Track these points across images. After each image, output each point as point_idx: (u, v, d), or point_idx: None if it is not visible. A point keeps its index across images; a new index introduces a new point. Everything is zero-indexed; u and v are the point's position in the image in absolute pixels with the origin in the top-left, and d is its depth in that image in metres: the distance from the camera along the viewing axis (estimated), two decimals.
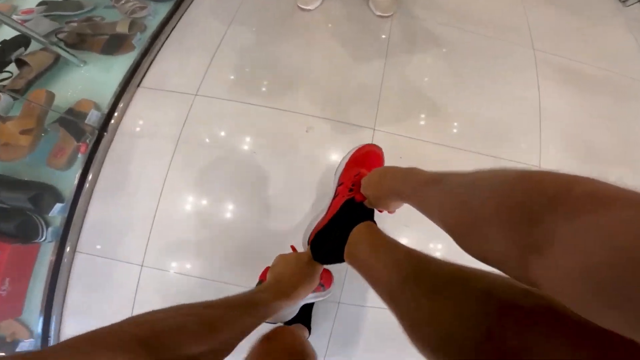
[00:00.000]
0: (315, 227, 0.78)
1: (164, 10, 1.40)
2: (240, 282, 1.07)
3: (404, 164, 1.15)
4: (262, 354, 0.57)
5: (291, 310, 0.83)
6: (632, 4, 1.71)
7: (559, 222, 0.26)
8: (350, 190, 0.76)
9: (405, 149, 1.20)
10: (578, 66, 1.46)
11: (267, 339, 0.60)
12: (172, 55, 1.33)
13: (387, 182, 0.66)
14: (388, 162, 1.10)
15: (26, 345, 1.03)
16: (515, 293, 0.36)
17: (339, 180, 0.87)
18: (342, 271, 1.07)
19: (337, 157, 1.16)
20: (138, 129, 1.19)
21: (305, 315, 0.98)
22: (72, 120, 1.13)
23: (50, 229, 1.08)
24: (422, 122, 1.25)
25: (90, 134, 1.14)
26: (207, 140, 1.17)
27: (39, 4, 1.44)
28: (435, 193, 0.49)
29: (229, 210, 1.12)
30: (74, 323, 1.07)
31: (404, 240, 1.06)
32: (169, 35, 1.37)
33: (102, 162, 1.15)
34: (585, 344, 0.28)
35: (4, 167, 1.11)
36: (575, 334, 0.29)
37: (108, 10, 1.46)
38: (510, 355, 0.31)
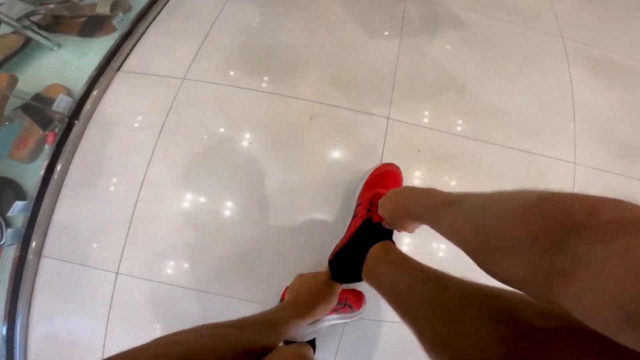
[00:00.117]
0: (335, 248, 0.80)
1: None
2: (231, 293, 0.93)
3: (422, 157, 1.03)
4: None
5: (315, 329, 0.80)
6: None
7: (585, 248, 0.26)
8: (368, 210, 0.77)
9: (424, 141, 1.05)
10: (611, 57, 1.32)
11: None
12: (159, 36, 1.18)
13: (404, 203, 0.67)
14: (405, 155, 1.03)
15: None
16: (534, 313, 0.36)
17: (358, 200, 0.88)
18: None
19: (345, 149, 1.02)
20: (115, 116, 1.04)
21: None
22: (38, 107, 0.99)
23: (10, 230, 0.94)
24: (443, 112, 1.10)
25: (60, 122, 0.99)
26: (195, 129, 1.02)
27: None
28: (451, 215, 0.49)
29: (218, 211, 0.97)
30: (42, 331, 0.96)
31: (406, 240, 0.98)
32: (157, 15, 1.22)
33: (73, 154, 1.00)
34: None
35: None
36: (596, 354, 0.29)
37: None
38: None
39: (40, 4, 1.28)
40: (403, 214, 0.66)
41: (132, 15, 1.20)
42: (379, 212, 0.74)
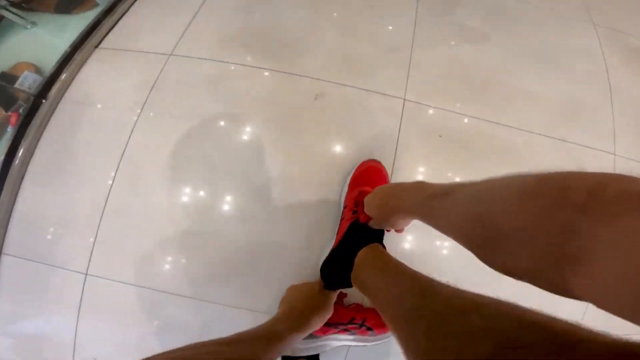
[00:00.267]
0: (327, 255, 0.76)
1: None
2: (218, 299, 0.79)
3: (444, 143, 0.89)
4: None
5: (314, 345, 0.76)
6: None
7: (594, 228, 0.25)
8: (354, 212, 0.74)
9: (446, 125, 0.91)
10: None
11: None
12: (145, 11, 1.06)
13: (392, 200, 0.63)
14: (424, 140, 0.91)
15: None
16: (518, 327, 0.31)
17: (344, 202, 0.82)
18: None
19: (353, 134, 0.89)
20: (89, 95, 0.91)
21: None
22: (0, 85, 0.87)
23: None
24: (466, 94, 0.96)
25: (25, 102, 0.87)
26: (182, 109, 0.89)
27: None
28: (446, 206, 0.47)
29: (205, 204, 0.83)
30: (6, 335, 0.86)
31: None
32: None
33: (39, 137, 0.87)
34: None
35: None
36: None
37: None
38: None
39: None
40: (393, 211, 0.63)
41: None
42: (366, 210, 0.70)
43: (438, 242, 0.85)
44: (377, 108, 0.91)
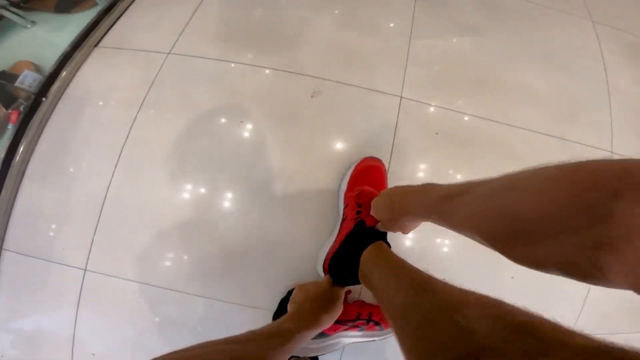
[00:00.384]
0: (328, 253, 0.76)
1: None
2: (216, 295, 0.79)
3: (440, 140, 0.88)
4: None
5: (325, 344, 0.76)
6: None
7: (628, 212, 0.24)
8: (358, 212, 0.73)
9: (442, 123, 0.92)
10: None
11: None
12: (144, 10, 1.07)
13: (401, 203, 0.63)
14: (421, 138, 0.91)
15: None
16: (501, 334, 0.30)
17: (344, 201, 0.81)
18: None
19: (350, 131, 0.89)
20: (89, 94, 0.92)
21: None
22: (0, 83, 0.88)
23: None
24: (464, 91, 0.97)
25: (25, 100, 0.88)
26: (180, 106, 0.89)
27: None
28: (463, 205, 0.46)
29: (203, 201, 0.84)
30: (5, 331, 0.86)
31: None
32: None
33: (39, 135, 0.88)
34: None
35: None
36: None
37: None
38: None
39: None
40: (402, 214, 0.62)
41: None
42: (372, 213, 0.70)
43: (438, 240, 0.86)
44: (374, 105, 0.92)
